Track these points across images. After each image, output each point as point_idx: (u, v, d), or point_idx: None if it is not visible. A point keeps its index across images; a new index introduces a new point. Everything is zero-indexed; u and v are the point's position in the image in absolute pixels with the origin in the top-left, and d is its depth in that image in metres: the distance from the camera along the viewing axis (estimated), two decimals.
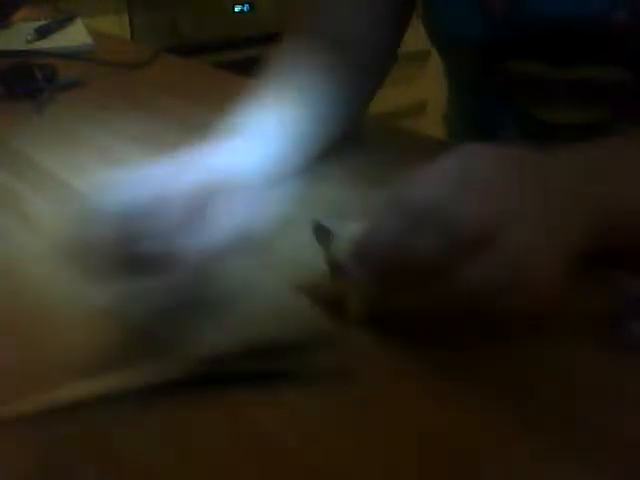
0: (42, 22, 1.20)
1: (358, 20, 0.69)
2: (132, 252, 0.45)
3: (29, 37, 1.14)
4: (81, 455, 0.37)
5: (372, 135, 0.78)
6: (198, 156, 0.52)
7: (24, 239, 0.56)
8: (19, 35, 1.16)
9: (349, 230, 0.45)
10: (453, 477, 0.35)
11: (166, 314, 0.45)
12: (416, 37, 0.76)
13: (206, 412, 0.39)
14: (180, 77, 1.01)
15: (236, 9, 2.08)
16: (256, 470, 0.36)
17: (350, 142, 0.71)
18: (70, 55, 1.07)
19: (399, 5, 0.71)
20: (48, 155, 0.72)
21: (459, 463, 0.36)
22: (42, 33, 1.16)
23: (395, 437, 0.37)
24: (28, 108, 0.86)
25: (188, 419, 0.39)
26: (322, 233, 0.47)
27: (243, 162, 0.54)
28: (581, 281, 0.42)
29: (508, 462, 0.36)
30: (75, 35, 1.18)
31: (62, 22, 1.22)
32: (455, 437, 0.37)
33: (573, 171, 0.45)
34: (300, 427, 0.38)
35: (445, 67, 0.81)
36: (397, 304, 0.44)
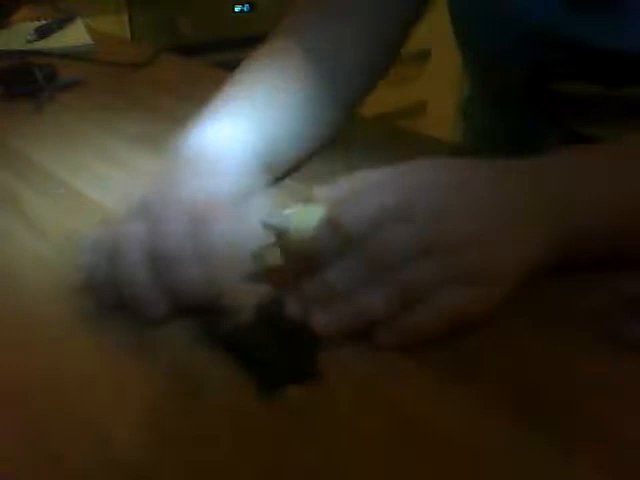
0: (42, 22, 1.20)
1: (358, 20, 0.69)
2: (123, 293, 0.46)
3: (29, 37, 1.14)
4: (83, 455, 0.37)
5: (372, 135, 0.78)
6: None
7: (24, 239, 0.56)
8: (19, 35, 1.16)
9: (307, 216, 0.45)
10: (453, 477, 0.35)
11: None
12: (416, 37, 0.76)
13: (206, 412, 0.39)
14: (180, 77, 1.01)
15: (236, 9, 2.08)
16: (257, 470, 0.36)
17: (349, 142, 0.71)
18: (70, 55, 1.07)
19: (405, 5, 0.70)
20: (48, 155, 0.72)
21: (459, 463, 0.36)
22: (42, 33, 1.16)
23: (395, 437, 0.37)
24: (28, 108, 0.86)
25: (188, 419, 0.39)
26: (271, 229, 0.47)
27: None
28: (580, 281, 0.42)
29: (508, 462, 0.36)
30: (75, 35, 1.18)
31: (62, 22, 1.22)
32: (455, 437, 0.37)
33: (540, 189, 0.46)
34: (300, 427, 0.38)
35: (469, 66, 0.80)
36: None
